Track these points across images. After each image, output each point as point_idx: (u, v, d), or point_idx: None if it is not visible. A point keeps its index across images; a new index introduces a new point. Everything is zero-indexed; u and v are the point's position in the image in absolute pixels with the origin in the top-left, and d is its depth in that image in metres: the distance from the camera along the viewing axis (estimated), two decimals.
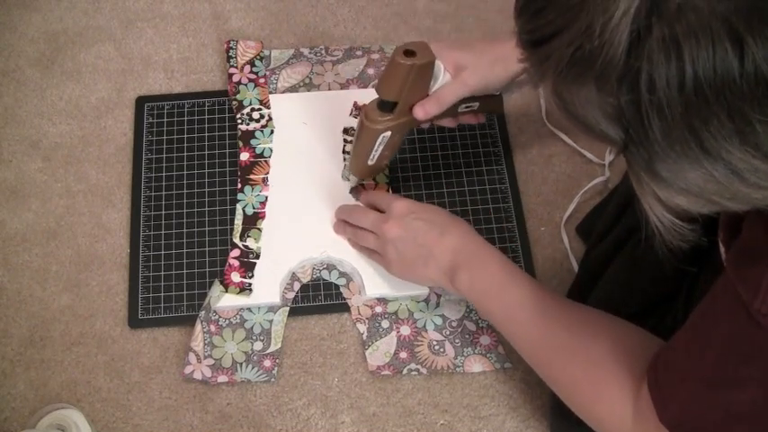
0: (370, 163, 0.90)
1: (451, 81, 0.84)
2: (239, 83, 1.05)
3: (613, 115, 0.44)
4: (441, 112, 0.84)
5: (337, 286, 0.94)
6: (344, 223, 0.93)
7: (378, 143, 0.86)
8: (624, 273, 0.84)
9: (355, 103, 1.03)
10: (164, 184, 1.00)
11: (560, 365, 0.74)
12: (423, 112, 0.83)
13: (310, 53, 1.08)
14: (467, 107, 0.90)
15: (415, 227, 0.83)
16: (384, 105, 0.83)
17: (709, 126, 0.41)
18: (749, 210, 0.48)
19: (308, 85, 1.06)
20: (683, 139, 0.42)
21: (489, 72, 0.84)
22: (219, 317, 0.92)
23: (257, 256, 0.94)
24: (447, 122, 0.92)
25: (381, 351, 0.91)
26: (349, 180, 0.96)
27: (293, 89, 1.05)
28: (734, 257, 0.54)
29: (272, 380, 0.89)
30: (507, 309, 0.78)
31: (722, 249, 0.64)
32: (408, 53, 0.78)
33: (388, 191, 0.98)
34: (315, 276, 0.95)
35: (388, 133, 0.85)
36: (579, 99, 0.45)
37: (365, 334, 0.92)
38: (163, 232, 0.97)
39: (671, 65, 0.40)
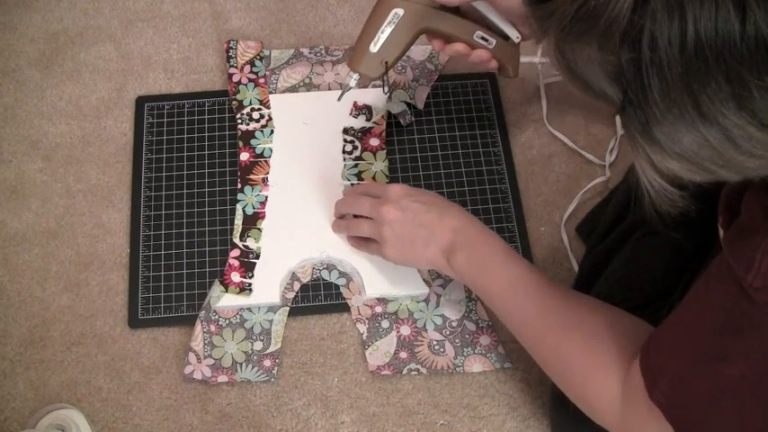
0: (372, 49, 0.84)
1: None
2: (239, 83, 1.05)
3: (613, 74, 0.44)
4: (459, 1, 0.82)
5: (337, 286, 0.94)
6: (341, 221, 0.93)
7: (387, 20, 0.83)
8: (623, 272, 0.84)
9: (355, 103, 1.03)
10: (164, 184, 1.00)
11: (553, 344, 0.74)
12: None
13: (310, 53, 1.08)
14: (483, 38, 0.86)
15: (414, 208, 0.83)
16: None
17: (707, 89, 0.41)
18: (745, 187, 0.49)
19: (308, 85, 1.06)
20: (680, 100, 0.42)
21: None
22: (219, 317, 0.92)
23: (257, 256, 0.94)
24: (460, 48, 0.87)
25: (381, 351, 0.91)
26: (348, 81, 0.88)
27: (293, 89, 1.05)
28: (730, 236, 0.54)
29: (272, 380, 0.89)
30: (504, 285, 0.78)
31: (721, 233, 0.64)
32: None
33: None
34: (315, 276, 0.95)
35: (401, 11, 0.82)
36: (581, 57, 0.46)
37: (365, 334, 0.92)
38: (163, 232, 0.97)
39: (673, 24, 0.40)
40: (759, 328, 0.52)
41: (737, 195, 0.56)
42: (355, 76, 0.87)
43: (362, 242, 0.91)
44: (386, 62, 0.86)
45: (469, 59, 0.88)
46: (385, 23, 0.83)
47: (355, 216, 0.91)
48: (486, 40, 0.87)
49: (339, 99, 0.91)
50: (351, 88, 0.88)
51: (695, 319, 0.58)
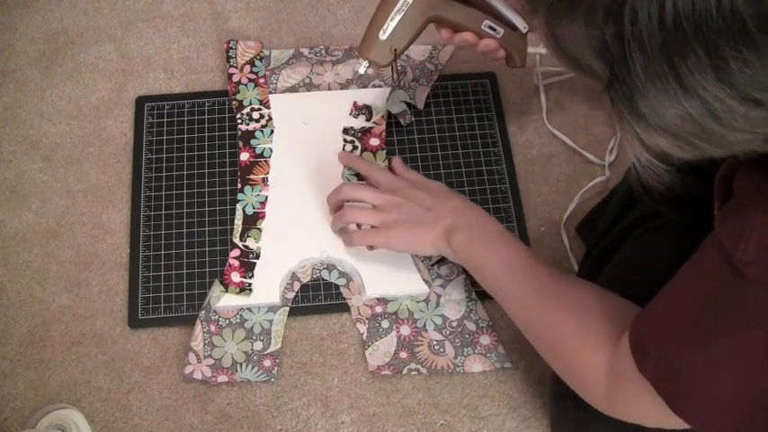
0: (381, 36, 0.85)
1: None
2: (239, 83, 1.05)
3: (599, 50, 0.46)
4: None
5: (337, 286, 0.94)
6: (343, 215, 0.92)
7: (397, 8, 0.84)
8: (623, 269, 0.84)
9: (355, 103, 1.03)
10: (164, 184, 1.00)
11: (545, 319, 0.75)
12: None
13: (310, 53, 1.08)
14: (491, 28, 0.87)
15: (419, 195, 0.86)
16: None
17: (687, 61, 0.42)
18: (737, 170, 0.49)
19: (307, 85, 1.06)
20: (662, 73, 0.43)
21: None
22: (219, 317, 0.92)
23: (257, 256, 0.94)
24: (468, 38, 0.88)
25: (381, 351, 0.91)
26: (359, 70, 0.89)
27: (293, 89, 1.05)
28: (722, 213, 0.55)
29: (272, 380, 0.89)
30: (500, 265, 0.80)
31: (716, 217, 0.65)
32: None
33: None
34: (315, 276, 0.95)
35: (411, 0, 0.84)
36: (569, 34, 0.47)
37: (365, 334, 0.92)
38: (163, 232, 0.97)
39: None
40: (749, 304, 0.53)
41: (730, 179, 0.57)
42: (365, 63, 0.88)
43: (361, 235, 0.91)
44: (395, 49, 0.87)
45: (478, 49, 0.89)
46: (394, 11, 0.84)
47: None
48: (493, 30, 0.88)
49: (355, 77, 0.92)
50: (360, 75, 0.90)
51: (686, 294, 0.59)
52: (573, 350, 0.71)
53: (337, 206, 0.93)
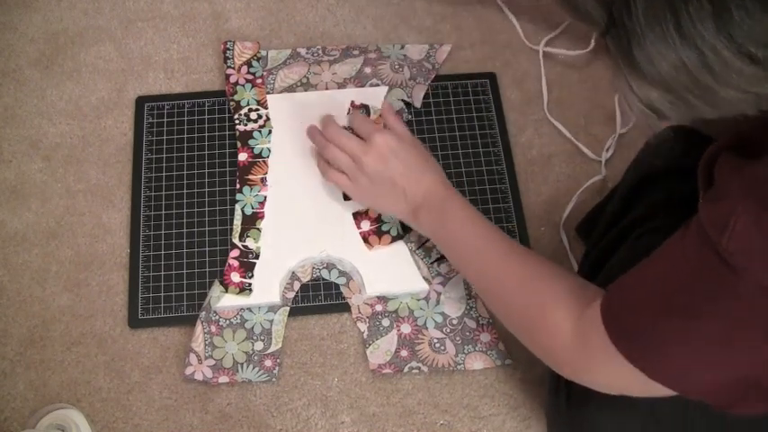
0: None
1: None
2: (236, 83, 1.05)
3: None
4: None
5: (337, 286, 0.94)
6: (318, 133, 0.94)
7: None
8: (623, 269, 0.84)
9: (353, 103, 1.03)
10: (164, 184, 1.00)
11: (511, 288, 0.76)
12: None
13: (307, 53, 1.08)
14: None
15: (393, 167, 0.86)
16: None
17: (689, 5, 0.42)
18: (719, 152, 0.49)
19: (305, 84, 1.06)
20: (662, 18, 0.44)
21: None
22: (220, 317, 0.92)
23: (257, 256, 0.94)
24: None
25: (382, 350, 0.91)
26: None
27: (290, 89, 1.05)
28: (705, 200, 0.56)
29: (273, 380, 0.89)
30: (468, 239, 0.81)
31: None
32: None
33: None
34: (315, 276, 0.95)
35: None
36: None
37: (366, 333, 0.92)
38: (163, 232, 0.97)
39: None
40: (733, 293, 0.53)
41: (713, 165, 0.57)
42: None
43: (336, 175, 0.92)
44: None
45: None
46: None
47: None
48: None
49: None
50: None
51: (666, 275, 0.59)
52: (538, 316, 0.72)
53: (319, 137, 0.94)
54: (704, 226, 0.54)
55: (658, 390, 0.60)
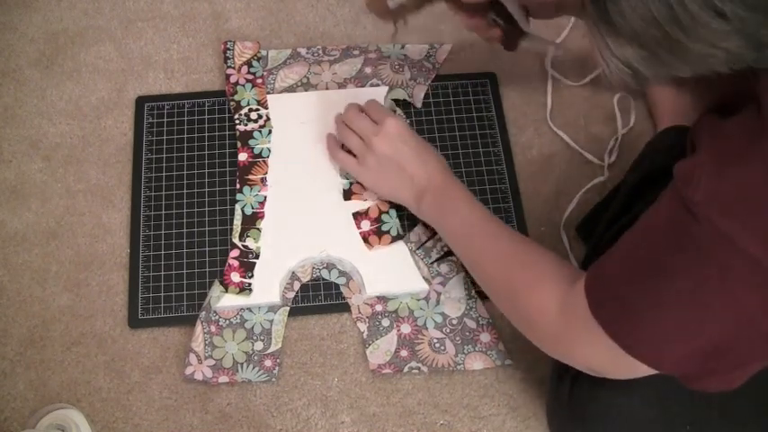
0: (390, 2, 0.88)
1: None
2: (237, 83, 1.05)
3: None
4: None
5: (337, 286, 0.94)
6: (338, 117, 0.97)
7: None
8: None
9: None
10: (164, 184, 1.00)
11: (501, 265, 0.79)
12: None
13: (307, 53, 1.08)
14: (494, 20, 0.89)
15: (403, 151, 0.89)
16: None
17: None
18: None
19: (305, 84, 1.06)
20: None
21: None
22: (220, 317, 0.92)
23: (257, 256, 0.94)
24: (475, 23, 0.90)
25: (382, 350, 0.91)
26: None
27: (291, 89, 1.05)
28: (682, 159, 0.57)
29: (273, 380, 0.89)
30: (464, 224, 0.84)
31: None
32: None
33: None
34: (314, 276, 0.95)
35: None
36: None
37: (365, 333, 0.92)
38: (163, 232, 0.97)
39: None
40: (698, 244, 0.54)
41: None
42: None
43: (343, 157, 0.94)
44: (402, 14, 0.90)
45: (480, 34, 0.92)
46: None
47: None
48: (495, 22, 0.89)
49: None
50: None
51: (641, 237, 0.61)
52: (524, 291, 0.74)
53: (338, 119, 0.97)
54: (676, 181, 0.55)
55: (634, 366, 0.61)
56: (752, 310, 0.54)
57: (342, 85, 1.05)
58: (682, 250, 0.55)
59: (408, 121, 1.03)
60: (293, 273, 0.94)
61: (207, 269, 0.95)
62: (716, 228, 0.52)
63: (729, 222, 0.51)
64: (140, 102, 1.05)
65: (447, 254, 0.94)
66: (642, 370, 0.61)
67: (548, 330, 0.71)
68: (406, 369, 0.90)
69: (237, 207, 0.97)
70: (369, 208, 0.96)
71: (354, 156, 0.93)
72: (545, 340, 0.72)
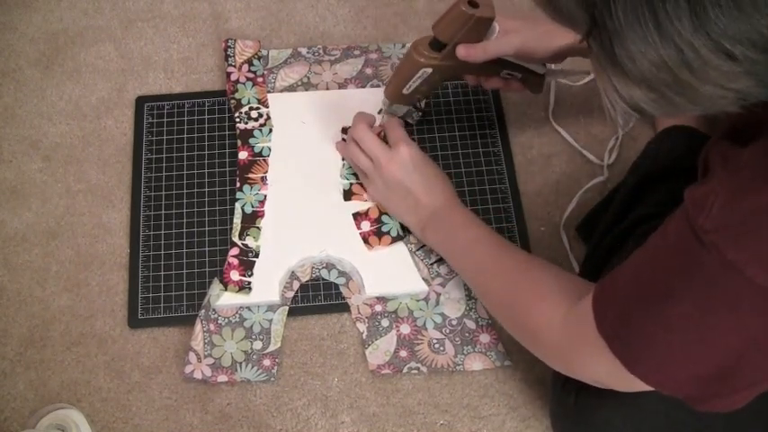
0: (404, 92, 0.92)
1: (499, 37, 0.87)
2: (237, 81, 1.05)
3: None
4: (482, 59, 0.86)
5: (337, 286, 0.94)
6: (345, 145, 0.98)
7: (417, 76, 0.89)
8: None
9: (343, 129, 1.02)
10: (164, 184, 1.00)
11: (504, 282, 0.80)
12: (465, 52, 0.86)
13: (308, 53, 1.08)
14: (509, 74, 0.93)
15: (412, 179, 0.90)
16: (435, 44, 0.86)
17: (667, 4, 0.43)
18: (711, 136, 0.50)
19: (305, 84, 1.06)
20: (641, 16, 0.44)
21: (536, 39, 0.88)
22: (219, 315, 0.92)
23: (256, 255, 0.94)
24: (494, 83, 0.95)
25: (381, 350, 0.91)
26: (382, 105, 0.96)
27: (291, 89, 1.05)
28: (693, 185, 0.57)
29: (272, 379, 0.89)
30: (466, 244, 0.85)
31: None
32: (472, 4, 0.81)
33: None
34: (314, 275, 0.95)
35: (429, 70, 0.88)
36: None
37: (365, 333, 0.92)
38: (163, 232, 0.97)
39: None
40: (706, 271, 0.54)
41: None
42: (389, 103, 0.95)
43: (352, 163, 0.97)
44: (417, 97, 0.94)
45: (503, 90, 0.99)
46: (415, 78, 0.89)
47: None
48: (512, 75, 0.93)
49: (381, 117, 0.97)
50: (383, 111, 0.96)
51: (649, 259, 0.61)
52: (528, 306, 0.74)
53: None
54: (687, 207, 0.55)
55: (636, 382, 0.61)
56: (757, 334, 0.54)
57: (342, 86, 1.05)
58: (689, 276, 0.55)
59: (410, 124, 1.03)
60: (293, 272, 0.94)
61: (207, 269, 0.95)
62: (723, 256, 0.52)
63: (737, 253, 0.51)
64: (140, 102, 1.05)
65: None
66: (643, 385, 0.61)
67: (551, 343, 0.71)
68: (405, 369, 0.90)
69: (237, 205, 0.97)
70: (369, 209, 0.96)
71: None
72: (548, 353, 0.73)
